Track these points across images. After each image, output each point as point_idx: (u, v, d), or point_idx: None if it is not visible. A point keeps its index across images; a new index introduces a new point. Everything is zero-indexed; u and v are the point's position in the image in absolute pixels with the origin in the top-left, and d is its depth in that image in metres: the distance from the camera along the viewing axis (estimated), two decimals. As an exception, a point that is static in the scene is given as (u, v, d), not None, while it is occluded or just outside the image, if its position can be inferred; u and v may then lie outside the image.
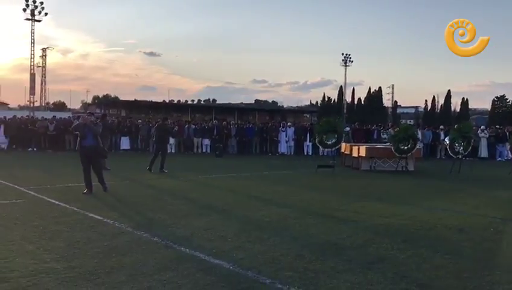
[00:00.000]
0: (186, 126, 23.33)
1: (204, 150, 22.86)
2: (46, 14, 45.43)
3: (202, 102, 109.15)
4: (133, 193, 9.64)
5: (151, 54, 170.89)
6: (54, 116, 24.94)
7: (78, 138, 9.21)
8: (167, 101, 72.58)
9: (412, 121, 68.76)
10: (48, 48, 58.02)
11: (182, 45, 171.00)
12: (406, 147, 14.69)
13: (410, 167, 15.23)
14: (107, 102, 55.00)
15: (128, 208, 7.80)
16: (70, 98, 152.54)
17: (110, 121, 19.46)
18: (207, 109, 54.01)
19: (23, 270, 4.38)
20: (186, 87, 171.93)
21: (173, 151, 22.34)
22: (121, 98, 56.90)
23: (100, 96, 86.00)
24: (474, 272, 4.67)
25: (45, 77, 57.24)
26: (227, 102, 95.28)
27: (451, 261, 5.04)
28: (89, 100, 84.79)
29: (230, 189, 10.53)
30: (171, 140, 22.36)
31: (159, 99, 73.81)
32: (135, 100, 49.31)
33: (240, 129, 23.81)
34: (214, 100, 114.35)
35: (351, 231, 6.39)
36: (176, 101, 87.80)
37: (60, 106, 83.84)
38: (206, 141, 22.93)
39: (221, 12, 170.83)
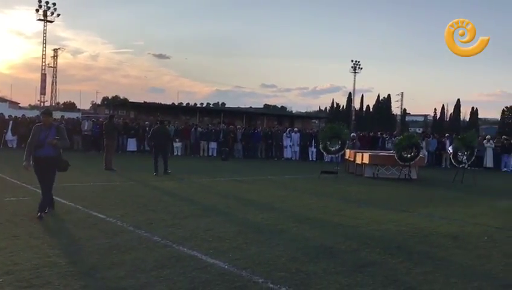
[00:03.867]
0: (193, 129, 23.58)
1: (210, 154, 23.06)
2: (58, 15, 46.19)
3: (211, 105, 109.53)
4: (136, 193, 9.85)
5: (161, 56, 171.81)
6: (62, 116, 25.32)
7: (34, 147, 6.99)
8: (176, 104, 73.07)
9: (421, 129, 68.54)
10: (59, 48, 58.97)
11: (192, 47, 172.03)
12: (409, 155, 14.80)
13: (413, 175, 15.33)
14: (116, 103, 55.39)
15: (131, 208, 8.00)
16: (80, 99, 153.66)
17: (115, 122, 19.67)
18: (216, 112, 54.23)
19: (26, 263, 4.58)
20: (196, 90, 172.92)
21: (179, 154, 22.61)
22: (130, 100, 57.24)
23: (109, 98, 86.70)
24: (463, 278, 4.81)
25: (56, 77, 58.19)
26: (236, 106, 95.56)
27: (441, 267, 5.18)
28: (99, 101, 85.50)
29: (233, 192, 10.70)
30: (178, 143, 22.68)
31: (168, 101, 74.30)
32: (144, 102, 49.63)
33: (246, 133, 24.02)
34: (223, 104, 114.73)
35: (347, 236, 6.53)
36: (184, 104, 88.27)
37: (70, 106, 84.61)
38: (213, 145, 23.14)
39: (231, 15, 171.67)
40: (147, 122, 24.79)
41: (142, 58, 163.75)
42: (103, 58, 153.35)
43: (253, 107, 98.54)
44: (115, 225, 6.60)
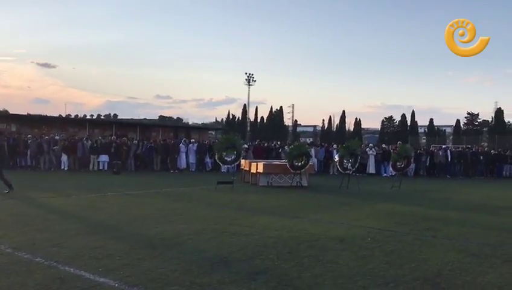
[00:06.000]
0: (80, 143, 22.27)
1: (101, 167, 22.02)
2: None
3: (102, 117, 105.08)
4: (17, 212, 9.05)
5: (46, 65, 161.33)
6: None
7: None
8: (63, 115, 68.95)
9: (311, 139, 72.17)
10: None
11: (80, 56, 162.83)
12: (299, 164, 15.47)
13: (304, 182, 16.03)
14: (-6, 115, 50.63)
15: (9, 228, 7.32)
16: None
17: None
18: (107, 124, 51.95)
19: None
20: (85, 101, 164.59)
21: (66, 168, 21.31)
22: (11, 112, 52.74)
23: (-14, 109, 79.12)
24: (349, 278, 5.10)
25: None
26: (129, 117, 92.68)
27: (329, 269, 5.44)
28: (-27, 113, 77.45)
29: (125, 207, 10.29)
30: (64, 157, 21.39)
31: (55, 113, 69.96)
32: (28, 114, 45.95)
33: (140, 145, 23.34)
34: (116, 115, 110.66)
35: (241, 245, 6.60)
36: (73, 116, 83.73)
37: None
38: (104, 158, 22.11)
39: (123, 23, 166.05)
40: (29, 136, 22.98)
41: (24, 67, 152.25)
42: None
43: (147, 118, 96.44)
44: (-10, 248, 5.99)
